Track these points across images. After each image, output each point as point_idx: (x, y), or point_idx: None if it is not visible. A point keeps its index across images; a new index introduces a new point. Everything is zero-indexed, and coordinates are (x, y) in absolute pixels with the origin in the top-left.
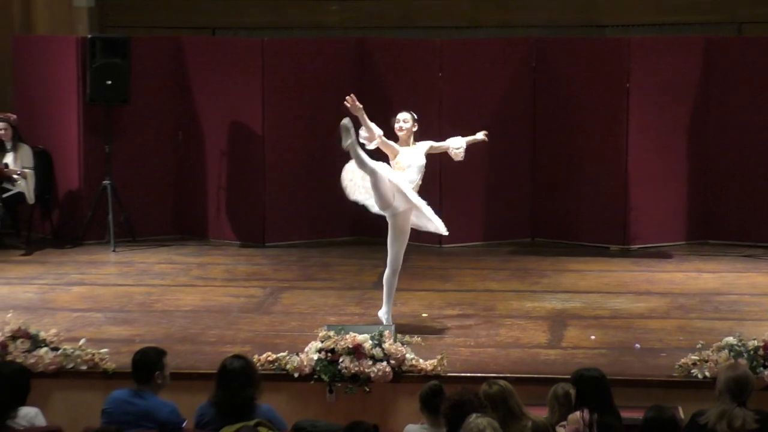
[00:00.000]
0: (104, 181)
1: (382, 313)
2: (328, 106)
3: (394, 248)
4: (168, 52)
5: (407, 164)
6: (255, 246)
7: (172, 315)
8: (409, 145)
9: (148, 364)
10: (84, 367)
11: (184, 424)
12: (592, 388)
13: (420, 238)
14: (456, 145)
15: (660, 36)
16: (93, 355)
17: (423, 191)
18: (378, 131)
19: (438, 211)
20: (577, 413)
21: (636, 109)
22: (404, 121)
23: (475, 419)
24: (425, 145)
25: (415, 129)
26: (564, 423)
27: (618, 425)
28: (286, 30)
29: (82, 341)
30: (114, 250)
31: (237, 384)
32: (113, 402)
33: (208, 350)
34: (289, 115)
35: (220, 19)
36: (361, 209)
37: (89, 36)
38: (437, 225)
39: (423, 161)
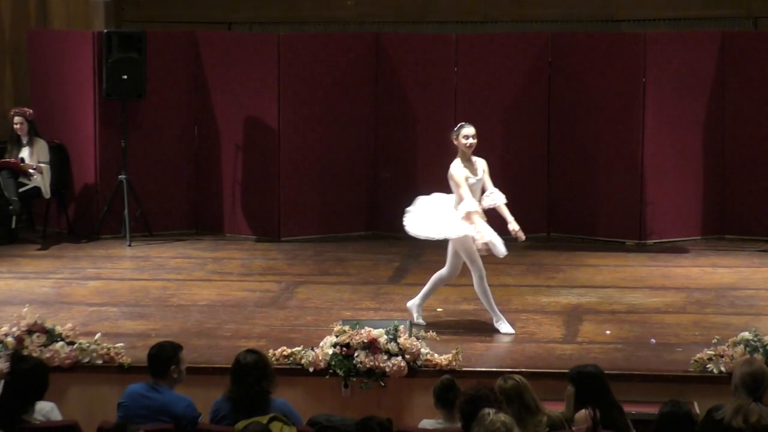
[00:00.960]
0: (120, 176)
1: (499, 324)
2: (343, 100)
3: (468, 259)
4: (184, 47)
5: (475, 181)
6: (270, 241)
7: (188, 309)
8: (470, 160)
9: (163, 358)
10: (100, 362)
11: (200, 419)
12: (590, 385)
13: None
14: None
15: (676, 31)
16: (109, 349)
17: (437, 184)
18: (475, 207)
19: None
20: (583, 411)
21: (652, 103)
22: (473, 136)
23: (494, 416)
24: (484, 165)
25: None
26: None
27: (620, 419)
28: (301, 25)
29: (97, 336)
30: (130, 245)
31: (251, 378)
32: (129, 396)
33: (223, 345)
34: (304, 109)
35: (235, 14)
36: (376, 204)
37: (105, 31)
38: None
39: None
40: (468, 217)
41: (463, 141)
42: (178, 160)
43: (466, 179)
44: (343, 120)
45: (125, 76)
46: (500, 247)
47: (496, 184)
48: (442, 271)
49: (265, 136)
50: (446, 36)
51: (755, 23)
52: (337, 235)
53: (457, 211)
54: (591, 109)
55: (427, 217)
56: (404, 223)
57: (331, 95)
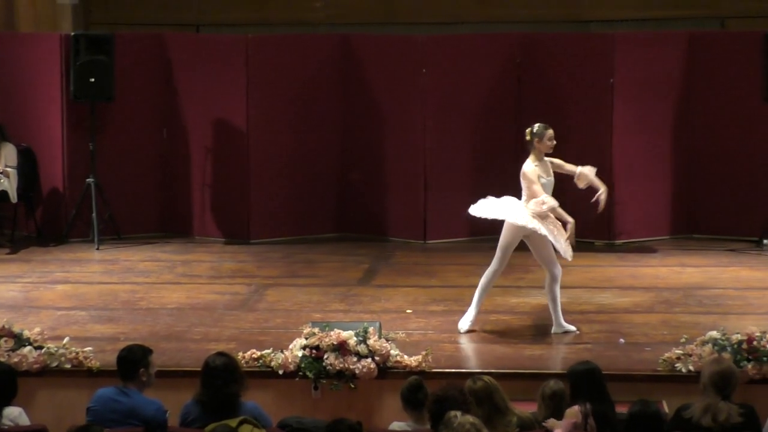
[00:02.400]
0: (88, 179)
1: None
2: (312, 102)
3: (501, 251)
4: (152, 49)
5: (546, 181)
6: (240, 243)
7: (157, 313)
8: (543, 160)
9: (133, 360)
10: (68, 366)
11: (167, 414)
12: (584, 382)
13: (404, 234)
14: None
15: (644, 31)
16: (77, 353)
17: (408, 186)
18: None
19: (422, 207)
20: (576, 407)
21: (620, 104)
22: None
23: (462, 417)
24: (552, 163)
25: None
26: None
27: (613, 415)
28: (270, 26)
29: (66, 340)
30: (98, 248)
31: (220, 381)
32: (98, 400)
33: (193, 348)
34: (273, 111)
35: (204, 16)
36: (346, 205)
37: (73, 33)
38: (563, 249)
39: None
40: (552, 210)
41: (548, 143)
42: (147, 163)
43: (539, 178)
44: (312, 122)
45: (93, 79)
46: (566, 252)
47: (464, 181)
48: (547, 276)
49: (233, 138)
50: (414, 37)
51: (722, 23)
52: (307, 237)
53: (528, 206)
54: (559, 110)
55: (495, 203)
56: (471, 209)
57: (299, 97)
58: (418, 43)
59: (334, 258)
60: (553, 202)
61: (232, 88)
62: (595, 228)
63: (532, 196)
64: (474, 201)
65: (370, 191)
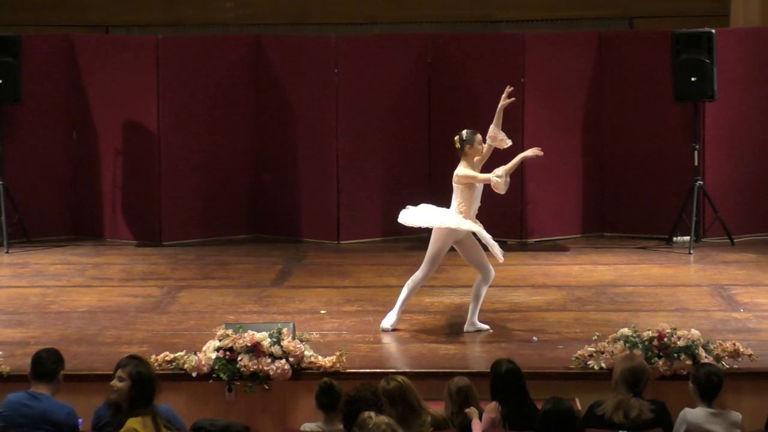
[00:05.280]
0: None
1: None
2: (224, 103)
3: (431, 257)
4: (60, 51)
5: (478, 186)
6: (152, 245)
7: (68, 316)
8: (474, 162)
9: (55, 360)
10: None
11: (80, 423)
12: (506, 379)
13: (318, 234)
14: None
15: (554, 31)
16: None
17: (321, 187)
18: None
19: (336, 208)
20: (494, 403)
21: (531, 103)
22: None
23: (377, 418)
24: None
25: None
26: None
27: (531, 415)
28: (180, 27)
29: None
30: (7, 252)
31: None
32: (9, 405)
33: (105, 351)
34: (184, 113)
35: (113, 17)
36: (259, 206)
37: None
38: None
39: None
40: (508, 170)
41: (479, 147)
42: (57, 165)
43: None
44: (224, 123)
45: (0, 81)
46: (498, 252)
47: (377, 182)
48: (479, 277)
49: (145, 139)
50: (326, 38)
51: (631, 23)
52: (220, 239)
53: (494, 179)
54: (471, 110)
55: (422, 210)
56: (399, 217)
57: (211, 98)
58: (330, 43)
59: (247, 259)
60: (503, 169)
61: (143, 90)
62: (507, 227)
63: (481, 181)
64: (387, 201)
65: (283, 192)
